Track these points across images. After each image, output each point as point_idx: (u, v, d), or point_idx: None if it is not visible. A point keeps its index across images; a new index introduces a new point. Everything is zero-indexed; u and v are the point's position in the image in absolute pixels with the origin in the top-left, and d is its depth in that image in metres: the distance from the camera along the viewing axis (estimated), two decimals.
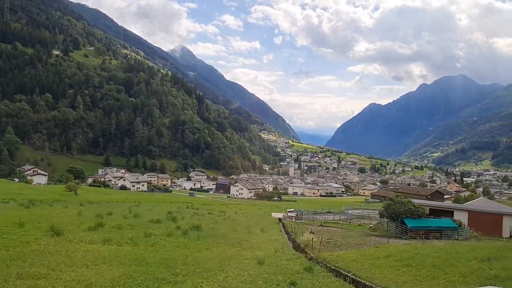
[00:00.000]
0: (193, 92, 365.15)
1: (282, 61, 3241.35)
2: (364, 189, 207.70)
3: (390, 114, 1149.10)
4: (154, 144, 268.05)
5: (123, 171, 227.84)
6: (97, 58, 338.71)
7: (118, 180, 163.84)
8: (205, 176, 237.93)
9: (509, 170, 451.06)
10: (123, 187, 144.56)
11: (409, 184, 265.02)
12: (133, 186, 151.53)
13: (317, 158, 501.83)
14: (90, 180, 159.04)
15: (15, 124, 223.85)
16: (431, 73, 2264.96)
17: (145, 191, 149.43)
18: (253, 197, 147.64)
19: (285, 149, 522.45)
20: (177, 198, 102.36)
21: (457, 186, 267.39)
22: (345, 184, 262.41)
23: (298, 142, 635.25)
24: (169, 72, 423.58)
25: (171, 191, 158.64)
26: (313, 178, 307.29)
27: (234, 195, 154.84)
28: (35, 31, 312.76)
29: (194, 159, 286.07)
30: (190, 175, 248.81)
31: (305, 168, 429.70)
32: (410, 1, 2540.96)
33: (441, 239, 37.95)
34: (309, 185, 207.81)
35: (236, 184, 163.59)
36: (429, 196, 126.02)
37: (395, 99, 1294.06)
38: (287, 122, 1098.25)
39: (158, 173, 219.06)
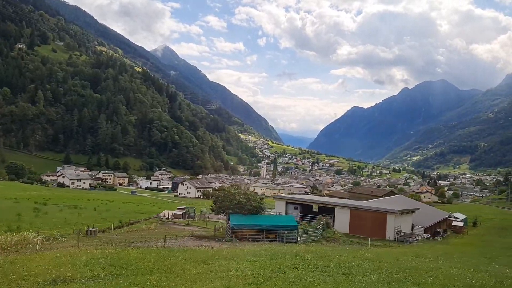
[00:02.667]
0: (164, 90, 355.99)
1: (266, 63, 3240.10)
2: (329, 190, 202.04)
3: (372, 117, 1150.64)
4: (118, 142, 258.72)
5: (82, 169, 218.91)
6: (66, 53, 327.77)
7: (57, 177, 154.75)
8: (167, 176, 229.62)
9: (485, 174, 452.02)
10: (60, 185, 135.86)
11: (378, 186, 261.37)
12: (73, 183, 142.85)
13: (295, 159, 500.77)
14: (45, 178, 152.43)
15: None
16: (412, 78, 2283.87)
17: (85, 189, 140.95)
18: (200, 196, 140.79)
19: (264, 150, 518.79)
20: (105, 197, 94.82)
21: (429, 189, 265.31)
22: (315, 185, 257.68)
23: (278, 144, 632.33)
24: (139, 69, 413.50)
25: (115, 190, 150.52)
26: (285, 179, 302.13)
27: (182, 194, 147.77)
28: (0, 24, 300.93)
29: (161, 158, 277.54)
30: (155, 174, 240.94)
31: (282, 169, 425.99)
32: (392, 7, 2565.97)
33: (276, 240, 31.31)
34: (270, 185, 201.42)
35: (184, 183, 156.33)
36: (382, 197, 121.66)
37: (377, 102, 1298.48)
38: (270, 124, 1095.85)
39: (114, 172, 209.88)
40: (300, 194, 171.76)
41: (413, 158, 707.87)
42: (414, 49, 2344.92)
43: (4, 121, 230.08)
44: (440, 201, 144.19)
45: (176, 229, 39.20)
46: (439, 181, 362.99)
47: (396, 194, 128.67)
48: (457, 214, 64.42)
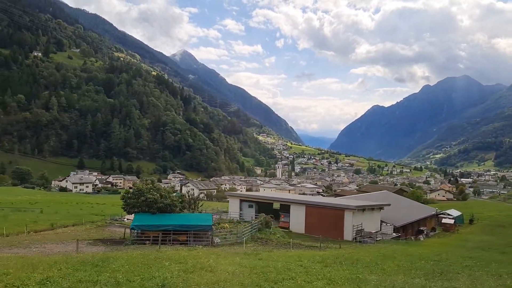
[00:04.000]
0: (178, 94, 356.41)
1: (284, 64, 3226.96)
2: (341, 189, 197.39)
3: (393, 116, 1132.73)
4: (132, 145, 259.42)
5: (95, 173, 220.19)
6: (81, 59, 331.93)
7: (59, 182, 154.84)
8: (179, 178, 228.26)
9: (510, 170, 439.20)
10: (63, 189, 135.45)
11: (395, 185, 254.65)
12: (75, 187, 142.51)
13: (314, 160, 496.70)
14: (55, 183, 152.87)
15: None
16: (433, 74, 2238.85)
17: (88, 193, 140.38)
18: (204, 198, 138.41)
19: (282, 152, 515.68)
20: (96, 200, 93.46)
21: (449, 187, 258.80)
22: (331, 185, 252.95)
23: (297, 145, 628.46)
24: (155, 73, 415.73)
25: (120, 193, 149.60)
26: (301, 179, 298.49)
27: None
28: (16, 33, 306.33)
29: (174, 161, 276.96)
30: (169, 177, 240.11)
31: (300, 170, 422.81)
32: (411, 3, 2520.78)
33: (187, 244, 28.18)
34: (282, 185, 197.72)
35: (188, 185, 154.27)
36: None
37: (398, 100, 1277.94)
38: (290, 125, 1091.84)
39: (125, 175, 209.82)
40: (313, 194, 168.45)
41: (436, 156, 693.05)
42: (434, 45, 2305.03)
43: (19, 128, 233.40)
44: (455, 199, 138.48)
45: (104, 232, 36.30)
46: (462, 179, 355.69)
47: (405, 191, 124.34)
48: (451, 211, 59.99)
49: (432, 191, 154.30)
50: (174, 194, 38.00)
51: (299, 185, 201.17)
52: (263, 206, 45.37)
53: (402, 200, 64.30)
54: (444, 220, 54.82)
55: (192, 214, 34.14)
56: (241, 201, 48.04)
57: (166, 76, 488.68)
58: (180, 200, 37.01)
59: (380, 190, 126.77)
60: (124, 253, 19.21)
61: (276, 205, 43.81)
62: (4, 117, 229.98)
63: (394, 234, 38.12)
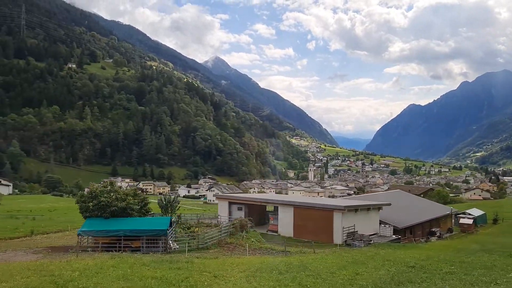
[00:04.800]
0: (208, 99, 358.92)
1: (316, 66, 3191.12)
2: (372, 190, 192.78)
3: (431, 114, 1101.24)
4: (163, 152, 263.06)
5: (128, 180, 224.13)
6: (114, 69, 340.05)
7: (85, 189, 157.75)
8: (209, 183, 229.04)
9: None
10: None
11: (433, 184, 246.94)
12: None
13: (348, 162, 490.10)
14: (87, 190, 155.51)
15: (21, 137, 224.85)
16: (471, 70, 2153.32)
17: None
18: None
19: (316, 154, 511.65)
20: None
21: (489, 186, 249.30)
22: (364, 186, 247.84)
23: (331, 147, 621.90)
24: (186, 80, 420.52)
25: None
26: (334, 181, 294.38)
27: (210, 200, 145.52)
28: (51, 46, 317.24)
29: (205, 166, 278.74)
30: (200, 182, 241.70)
31: (333, 172, 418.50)
32: None
33: (140, 251, 26.59)
34: (312, 188, 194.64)
35: (212, 189, 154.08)
36: (421, 195, 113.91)
37: (435, 98, 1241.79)
38: (324, 127, 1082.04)
39: (154, 182, 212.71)
40: (343, 196, 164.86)
41: (477, 154, 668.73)
42: (471, 40, 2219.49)
43: (54, 138, 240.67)
44: (492, 198, 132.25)
45: (73, 238, 35.15)
46: (504, 177, 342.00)
47: (432, 190, 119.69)
48: (472, 210, 56.19)
49: (467, 190, 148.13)
50: (162, 197, 36.84)
51: (329, 187, 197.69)
52: (255, 209, 43.71)
53: (415, 199, 60.84)
54: (462, 220, 51.35)
55: (147, 218, 32.31)
56: (230, 203, 45.85)
57: (198, 83, 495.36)
58: (143, 203, 35.42)
59: (409, 190, 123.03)
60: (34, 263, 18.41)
61: (271, 208, 41.81)
62: (40, 128, 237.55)
63: (394, 236, 35.35)
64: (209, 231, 31.16)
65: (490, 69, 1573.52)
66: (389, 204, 40.78)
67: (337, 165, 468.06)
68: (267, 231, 36.42)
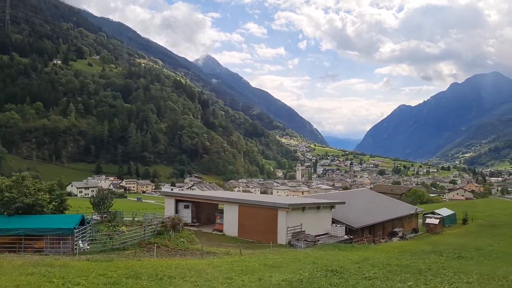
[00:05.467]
0: (196, 97, 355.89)
1: (308, 66, 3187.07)
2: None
3: (421, 115, 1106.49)
4: (149, 150, 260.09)
5: (112, 178, 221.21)
6: (101, 66, 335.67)
7: (67, 187, 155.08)
8: (195, 182, 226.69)
9: None
10: (68, 194, 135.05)
11: (417, 184, 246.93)
12: (80, 192, 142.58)
13: (338, 161, 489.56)
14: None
15: (3, 133, 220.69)
16: (461, 72, 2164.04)
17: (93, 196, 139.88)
18: None
19: (306, 154, 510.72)
20: None
21: (476, 186, 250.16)
22: (349, 185, 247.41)
23: (320, 146, 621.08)
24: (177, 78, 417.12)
25: (125, 197, 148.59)
26: (322, 181, 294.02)
27: None
28: (37, 42, 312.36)
29: (192, 164, 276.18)
30: (185, 181, 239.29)
31: (322, 171, 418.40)
32: (436, 0, 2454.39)
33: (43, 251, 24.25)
34: (297, 187, 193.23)
35: (193, 188, 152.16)
36: (402, 195, 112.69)
37: (425, 99, 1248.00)
38: (315, 127, 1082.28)
39: (138, 180, 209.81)
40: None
41: (465, 155, 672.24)
42: (461, 42, 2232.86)
43: (37, 134, 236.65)
44: (475, 198, 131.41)
45: None
46: (492, 178, 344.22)
47: (417, 191, 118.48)
48: (441, 210, 54.31)
49: (451, 190, 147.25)
50: (95, 194, 34.19)
51: (314, 186, 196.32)
52: (204, 207, 41.32)
53: (382, 199, 58.46)
54: (428, 220, 49.46)
55: (54, 216, 29.67)
56: (177, 201, 42.87)
57: (188, 81, 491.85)
58: (60, 200, 32.83)
59: (392, 190, 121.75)
60: None
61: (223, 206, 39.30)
62: (23, 125, 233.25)
63: (346, 236, 33.12)
64: (128, 231, 28.83)
65: (479, 70, 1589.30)
66: (343, 203, 38.46)
67: (326, 165, 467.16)
68: (212, 231, 34.01)
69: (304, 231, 30.85)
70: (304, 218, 31.40)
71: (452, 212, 54.49)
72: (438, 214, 51.53)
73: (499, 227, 40.00)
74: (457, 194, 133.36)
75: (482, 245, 28.24)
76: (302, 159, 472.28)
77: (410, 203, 62.61)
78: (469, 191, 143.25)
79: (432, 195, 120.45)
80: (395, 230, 43.31)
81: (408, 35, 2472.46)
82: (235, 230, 32.17)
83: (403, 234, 43.89)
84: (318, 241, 29.69)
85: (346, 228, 35.82)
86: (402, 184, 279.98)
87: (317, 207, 33.63)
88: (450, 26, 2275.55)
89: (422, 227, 50.83)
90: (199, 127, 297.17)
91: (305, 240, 28.59)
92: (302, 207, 32.01)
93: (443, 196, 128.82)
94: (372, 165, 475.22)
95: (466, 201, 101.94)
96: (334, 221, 36.29)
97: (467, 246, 26.91)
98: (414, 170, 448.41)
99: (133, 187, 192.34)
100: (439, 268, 16.87)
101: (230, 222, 32.76)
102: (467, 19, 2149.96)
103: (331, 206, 36.28)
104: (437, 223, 47.84)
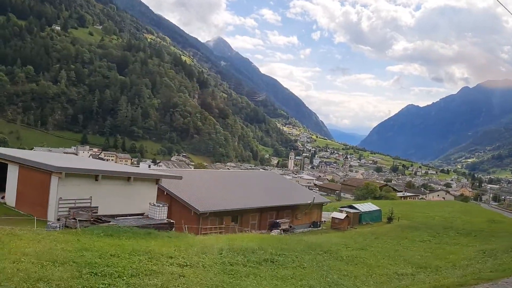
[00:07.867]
0: (195, 76, 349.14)
1: (319, 57, 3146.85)
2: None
3: (428, 116, 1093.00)
4: (138, 125, 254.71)
5: (96, 149, 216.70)
6: (101, 36, 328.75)
7: None
8: (181, 161, 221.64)
9: None
10: None
11: (409, 183, 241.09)
12: None
13: (337, 155, 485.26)
14: None
15: None
16: (473, 76, 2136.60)
17: None
18: None
19: (305, 144, 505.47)
20: None
21: (470, 191, 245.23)
22: (340, 179, 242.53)
23: (322, 138, 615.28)
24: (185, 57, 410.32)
25: None
26: (312, 172, 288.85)
27: None
28: (37, 4, 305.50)
29: (182, 143, 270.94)
30: (172, 159, 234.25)
31: (319, 163, 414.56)
32: (454, 1, 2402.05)
33: None
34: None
35: (160, 164, 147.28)
36: (354, 187, 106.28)
37: (434, 101, 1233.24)
38: (320, 119, 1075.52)
39: (117, 153, 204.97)
40: (309, 187, 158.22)
41: (468, 160, 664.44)
42: (476, 45, 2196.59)
43: (24, 99, 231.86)
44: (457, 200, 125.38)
45: None
46: (490, 185, 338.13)
47: (393, 188, 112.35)
48: (364, 205, 47.49)
49: (431, 191, 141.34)
50: None
51: (296, 176, 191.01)
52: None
53: (286, 184, 50.25)
54: (334, 215, 43.84)
55: None
56: None
57: (195, 61, 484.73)
58: None
59: (368, 184, 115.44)
60: None
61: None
62: (11, 87, 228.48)
63: (167, 220, 24.68)
64: None
65: (491, 76, 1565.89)
66: (180, 177, 30.52)
67: (325, 157, 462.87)
68: (1, 198, 26.08)
69: (97, 207, 23.27)
70: (98, 191, 23.62)
71: (377, 208, 47.78)
72: (355, 209, 45.19)
73: (420, 229, 34.04)
74: (438, 195, 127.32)
75: (364, 246, 22.23)
76: (301, 149, 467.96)
77: (361, 197, 56.79)
78: (450, 194, 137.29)
79: (409, 194, 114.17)
80: (278, 221, 37.03)
81: (422, 34, 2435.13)
82: (14, 199, 24.64)
83: (290, 226, 37.64)
84: (109, 221, 21.82)
85: (191, 212, 29.51)
86: (393, 181, 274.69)
87: (127, 178, 25.76)
88: (466, 29, 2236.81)
89: (328, 223, 44.57)
90: (193, 106, 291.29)
91: (96, 221, 21.22)
92: (95, 175, 24.60)
93: (423, 196, 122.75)
94: (370, 161, 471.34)
95: (421, 201, 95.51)
96: (171, 201, 29.89)
97: (328, 248, 20.78)
98: (412, 170, 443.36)
99: (112, 159, 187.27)
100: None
101: (11, 187, 24.89)
102: (484, 23, 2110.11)
103: (156, 179, 27.67)
104: (342, 218, 41.62)
